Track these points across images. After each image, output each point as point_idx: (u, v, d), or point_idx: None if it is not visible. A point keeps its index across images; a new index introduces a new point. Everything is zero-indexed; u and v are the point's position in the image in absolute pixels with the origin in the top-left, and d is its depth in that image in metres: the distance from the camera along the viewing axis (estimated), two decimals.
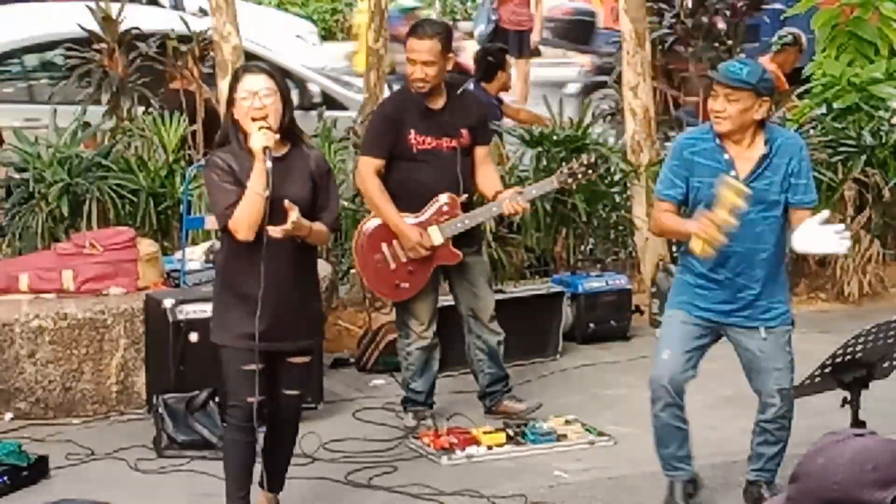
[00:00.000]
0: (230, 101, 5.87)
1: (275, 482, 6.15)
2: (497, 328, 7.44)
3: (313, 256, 6.13)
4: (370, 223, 7.29)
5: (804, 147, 6.29)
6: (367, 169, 7.16)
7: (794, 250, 6.14)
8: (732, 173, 6.00)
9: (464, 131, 7.21)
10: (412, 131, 7.12)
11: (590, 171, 7.50)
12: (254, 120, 5.74)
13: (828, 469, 2.60)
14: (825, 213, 6.04)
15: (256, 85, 5.77)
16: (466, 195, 7.24)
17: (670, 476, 6.36)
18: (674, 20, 11.06)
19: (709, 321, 6.16)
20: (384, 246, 7.20)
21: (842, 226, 6.10)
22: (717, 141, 6.06)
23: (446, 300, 7.57)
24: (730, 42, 10.87)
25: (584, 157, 7.76)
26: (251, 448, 5.98)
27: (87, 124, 9.09)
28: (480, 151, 7.34)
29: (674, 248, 6.53)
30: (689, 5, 10.99)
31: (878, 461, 2.60)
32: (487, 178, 7.40)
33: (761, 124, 6.07)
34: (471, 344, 7.46)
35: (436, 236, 7.18)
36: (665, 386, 6.16)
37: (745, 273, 6.07)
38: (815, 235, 5.91)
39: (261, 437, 6.05)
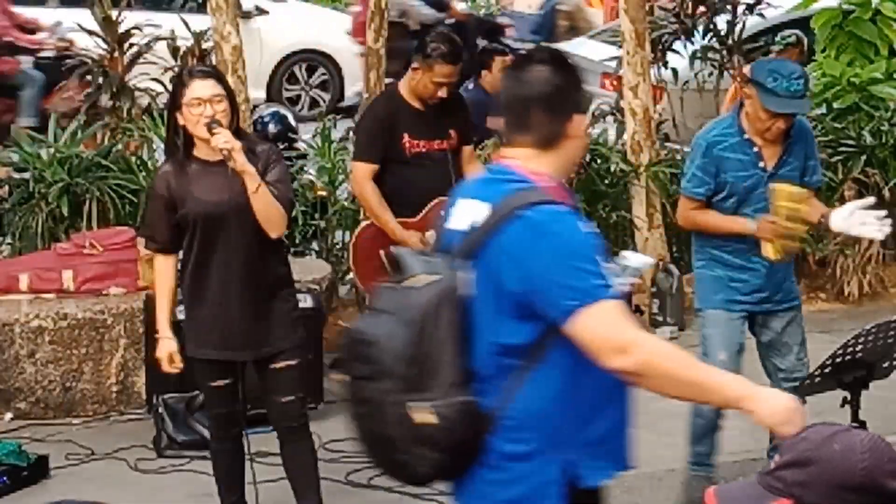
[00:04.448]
0: (176, 106, 5.62)
1: (306, 498, 5.94)
2: None
3: (270, 255, 5.77)
4: (364, 232, 7.25)
5: (812, 129, 6.54)
6: (363, 174, 7.09)
7: (832, 228, 6.23)
8: (761, 164, 6.15)
9: (452, 132, 7.20)
10: (405, 135, 7.09)
11: (580, 172, 7.50)
12: (210, 132, 5.52)
13: (850, 455, 2.67)
14: (870, 200, 6.28)
15: (206, 91, 5.55)
16: None
17: (697, 472, 6.40)
18: (674, 20, 11.06)
19: (746, 312, 6.32)
20: (382, 252, 7.17)
21: (884, 212, 6.17)
22: (745, 135, 6.16)
23: None
24: (730, 42, 10.86)
25: None
26: (235, 455, 5.91)
27: (87, 124, 9.10)
28: (467, 150, 7.34)
29: (692, 243, 6.52)
30: (689, 5, 10.98)
31: (891, 454, 2.70)
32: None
33: None
34: None
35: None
36: None
37: None
38: (857, 216, 6.06)
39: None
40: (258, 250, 5.69)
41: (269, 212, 5.61)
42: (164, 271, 5.84)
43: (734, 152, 6.15)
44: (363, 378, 3.74)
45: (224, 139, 5.50)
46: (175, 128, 5.66)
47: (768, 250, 6.10)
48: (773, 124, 6.08)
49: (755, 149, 6.16)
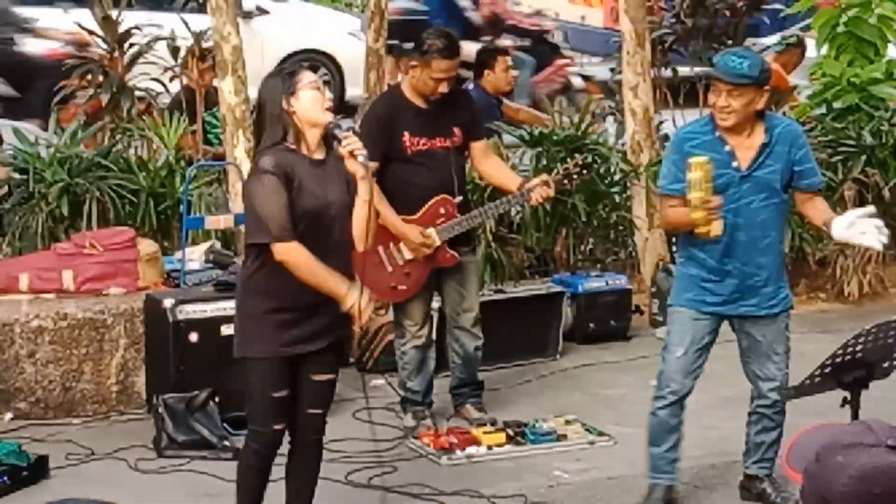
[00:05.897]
0: (289, 91, 5.57)
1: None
2: (478, 332, 7.38)
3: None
4: None
5: (802, 133, 6.40)
6: None
7: (833, 237, 6.20)
8: (734, 164, 6.09)
9: (456, 130, 7.18)
10: (406, 133, 7.08)
11: (584, 172, 7.48)
12: (331, 133, 5.57)
13: (839, 473, 2.66)
14: (871, 209, 6.19)
15: (318, 80, 5.66)
16: (461, 196, 7.22)
17: (655, 479, 6.35)
18: (673, 20, 11.07)
19: (718, 315, 6.22)
20: (381, 249, 7.16)
21: (881, 221, 6.11)
22: (717, 133, 6.12)
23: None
24: (730, 42, 10.87)
25: (577, 157, 7.78)
26: (267, 473, 5.84)
27: (88, 124, 9.10)
28: (478, 146, 7.31)
29: (674, 242, 6.53)
30: (689, 5, 11.00)
31: (886, 485, 2.64)
32: (501, 170, 7.43)
33: (760, 113, 6.14)
34: (449, 344, 7.45)
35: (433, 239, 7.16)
36: (677, 384, 6.22)
37: (751, 261, 6.14)
38: (858, 225, 6.01)
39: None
40: (350, 252, 5.66)
41: (370, 225, 5.62)
42: (309, 255, 5.53)
43: (706, 149, 6.07)
44: None
45: (359, 144, 5.53)
46: (286, 117, 5.57)
47: (701, 230, 5.99)
48: (717, 102, 6.02)
49: (727, 147, 6.09)
